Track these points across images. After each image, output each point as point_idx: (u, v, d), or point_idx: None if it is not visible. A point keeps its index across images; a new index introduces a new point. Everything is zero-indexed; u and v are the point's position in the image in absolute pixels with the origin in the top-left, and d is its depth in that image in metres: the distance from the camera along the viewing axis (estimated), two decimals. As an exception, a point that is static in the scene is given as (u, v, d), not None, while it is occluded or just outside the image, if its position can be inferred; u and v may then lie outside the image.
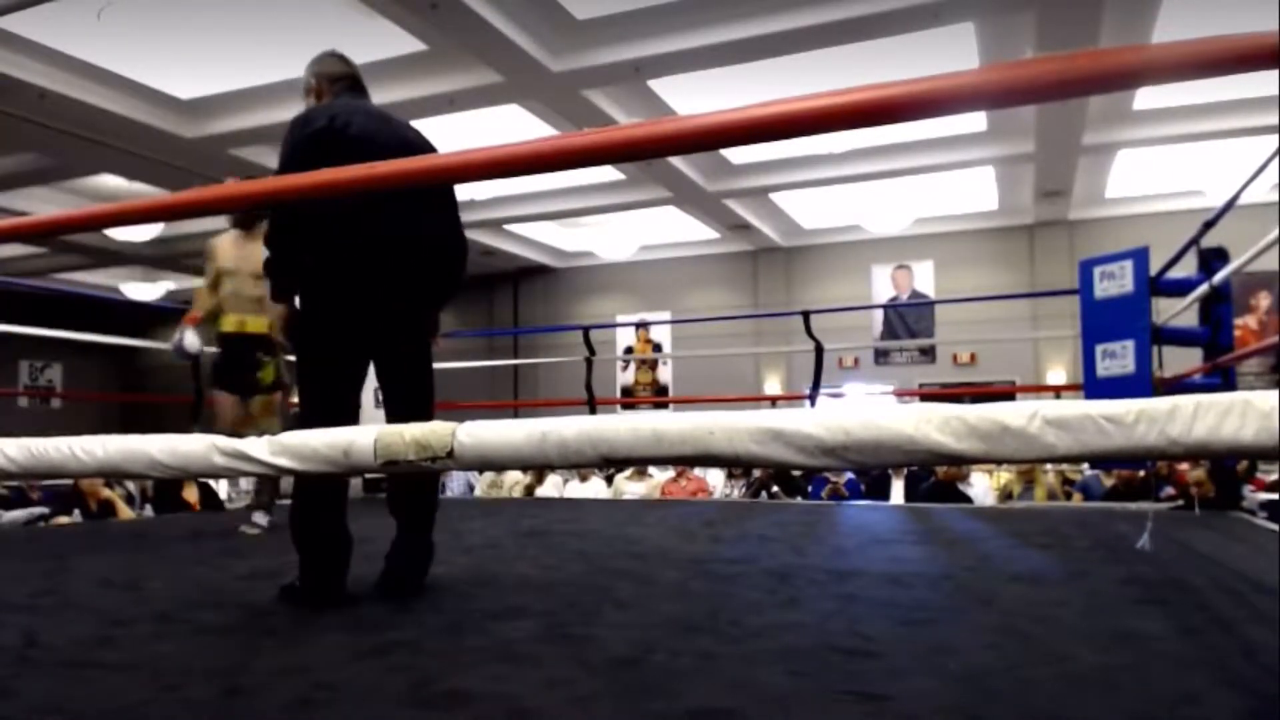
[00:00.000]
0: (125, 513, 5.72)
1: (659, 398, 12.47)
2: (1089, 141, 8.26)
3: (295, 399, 3.39)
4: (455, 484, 7.66)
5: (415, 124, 2.54)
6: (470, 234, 2.60)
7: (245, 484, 9.74)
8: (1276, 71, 0.89)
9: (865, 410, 1.13)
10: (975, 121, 8.34)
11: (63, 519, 5.33)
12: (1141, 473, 5.18)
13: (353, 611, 2.19)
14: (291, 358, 2.70)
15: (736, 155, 9.24)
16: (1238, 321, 7.95)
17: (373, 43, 6.66)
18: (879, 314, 11.66)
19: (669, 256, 12.84)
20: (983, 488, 6.31)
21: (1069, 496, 6.07)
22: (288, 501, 2.76)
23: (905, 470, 6.16)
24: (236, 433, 2.64)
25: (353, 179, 1.38)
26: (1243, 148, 8.15)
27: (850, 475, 6.46)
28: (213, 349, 3.93)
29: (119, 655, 1.77)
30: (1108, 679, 1.54)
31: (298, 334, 2.35)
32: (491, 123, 7.75)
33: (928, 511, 4.68)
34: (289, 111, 2.74)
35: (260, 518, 3.84)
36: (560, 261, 13.48)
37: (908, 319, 11.64)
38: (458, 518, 4.23)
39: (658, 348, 12.74)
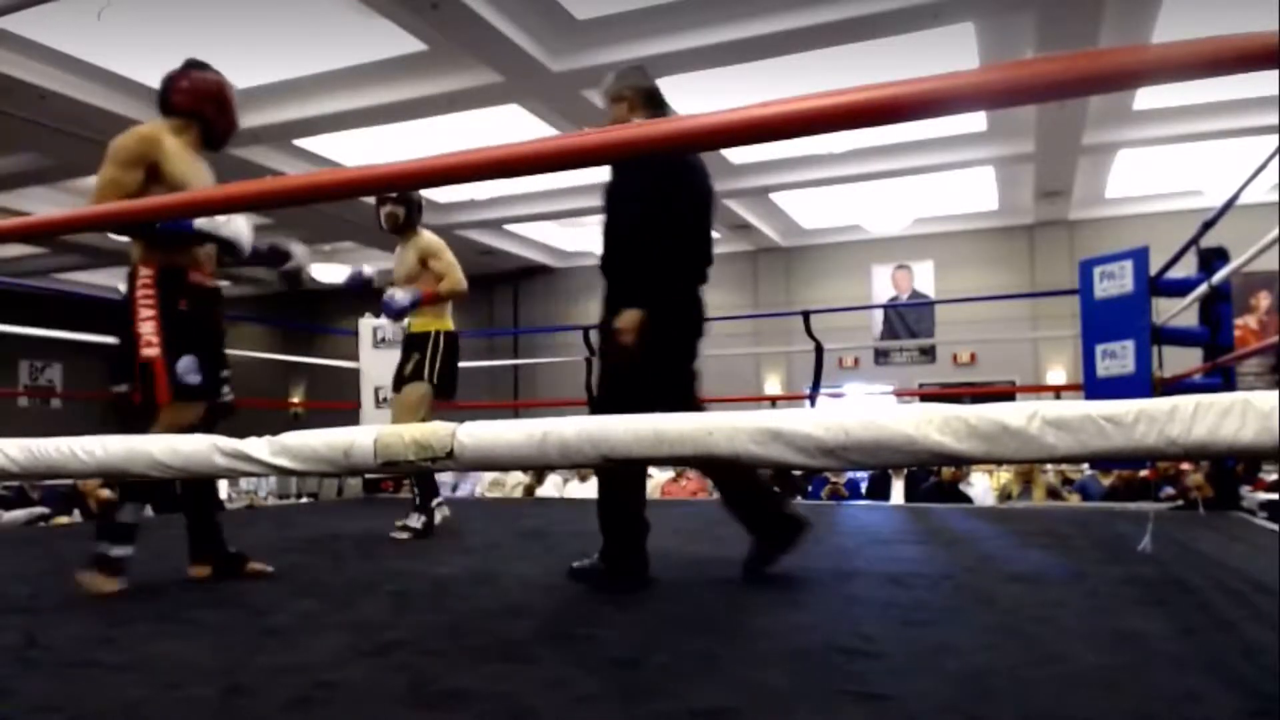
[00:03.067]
0: (125, 513, 5.71)
1: (659, 398, 12.45)
2: (1089, 141, 8.26)
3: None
4: (466, 485, 7.66)
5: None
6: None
7: (245, 484, 9.73)
8: (1276, 71, 0.89)
9: (865, 410, 1.13)
10: (975, 121, 8.34)
11: (63, 519, 5.33)
12: (1144, 473, 5.18)
13: (353, 611, 2.19)
14: None
15: (736, 155, 9.23)
16: (1238, 321, 7.96)
17: (373, 43, 6.66)
18: (879, 314, 11.65)
19: (669, 256, 12.82)
20: (983, 488, 6.32)
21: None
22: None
23: (905, 470, 6.16)
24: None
25: (352, 179, 1.37)
26: (1243, 148, 8.15)
27: (850, 475, 6.46)
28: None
29: (119, 655, 1.76)
30: (1108, 679, 1.54)
31: (649, 340, 2.44)
32: (491, 123, 7.75)
33: (928, 511, 4.68)
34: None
35: (415, 520, 3.69)
36: (560, 261, 13.48)
37: (908, 319, 11.64)
38: (458, 518, 4.23)
39: (658, 348, 12.72)
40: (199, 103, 2.64)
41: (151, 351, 2.42)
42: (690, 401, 2.58)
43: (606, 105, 2.67)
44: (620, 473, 2.42)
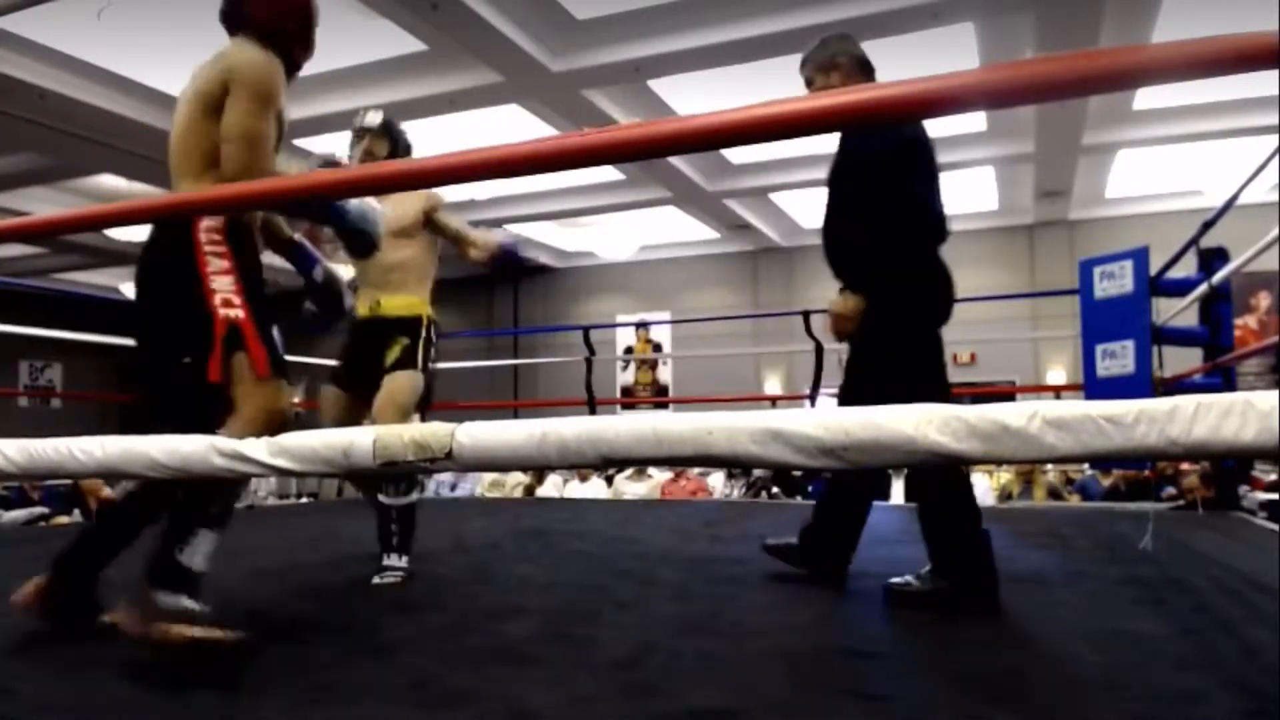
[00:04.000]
0: (125, 513, 5.71)
1: (659, 398, 12.46)
2: (1089, 141, 8.25)
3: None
4: (466, 485, 7.65)
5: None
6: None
7: (251, 484, 9.72)
8: (1276, 71, 0.89)
9: (865, 410, 1.13)
10: (975, 121, 8.33)
11: (63, 519, 5.33)
12: (1146, 472, 5.18)
13: (353, 611, 2.19)
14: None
15: (736, 155, 9.23)
16: (1238, 321, 7.95)
17: (373, 43, 6.65)
18: (879, 314, 11.63)
19: (669, 256, 12.83)
20: (983, 488, 6.31)
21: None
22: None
23: (905, 470, 6.15)
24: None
25: (352, 179, 1.37)
26: (1243, 148, 8.14)
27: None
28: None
29: (119, 655, 1.76)
30: (1108, 679, 1.54)
31: (892, 334, 2.23)
32: (491, 123, 7.74)
33: (928, 511, 4.66)
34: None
35: (398, 560, 2.71)
36: (560, 261, 13.48)
37: (908, 319, 11.63)
38: (458, 518, 4.23)
39: (658, 348, 12.73)
40: (283, 17, 2.06)
41: (236, 312, 1.76)
42: (947, 391, 2.30)
43: (811, 74, 2.28)
44: (948, 476, 2.18)
